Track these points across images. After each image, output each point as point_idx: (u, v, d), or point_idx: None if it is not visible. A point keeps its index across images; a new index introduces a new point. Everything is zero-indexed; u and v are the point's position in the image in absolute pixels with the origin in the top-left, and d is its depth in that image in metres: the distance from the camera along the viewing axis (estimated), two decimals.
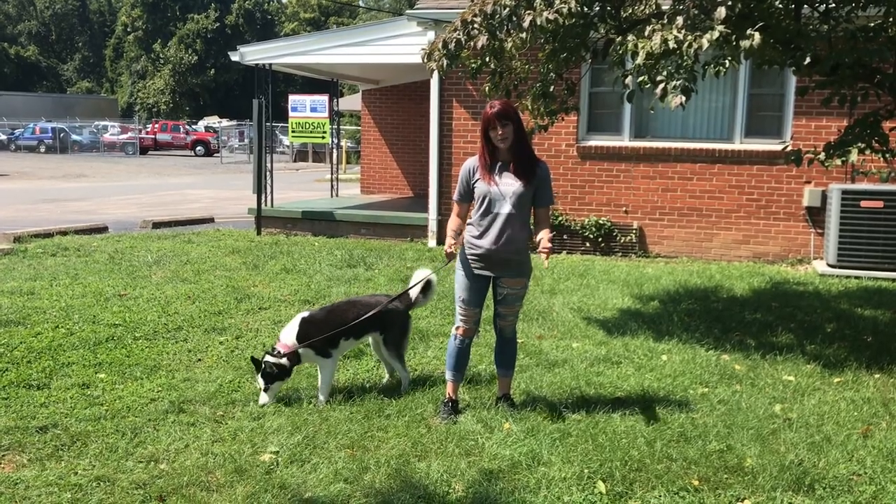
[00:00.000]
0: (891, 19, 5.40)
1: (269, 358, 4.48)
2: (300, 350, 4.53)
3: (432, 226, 10.96)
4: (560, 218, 10.33)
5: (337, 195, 15.24)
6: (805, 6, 5.65)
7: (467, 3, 5.78)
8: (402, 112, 15.58)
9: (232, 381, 4.95)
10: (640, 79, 5.11)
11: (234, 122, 47.89)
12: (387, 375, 5.03)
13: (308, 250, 10.09)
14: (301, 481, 3.58)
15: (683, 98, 4.87)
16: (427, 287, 4.93)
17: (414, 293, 4.87)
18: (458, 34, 5.61)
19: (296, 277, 8.28)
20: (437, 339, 5.96)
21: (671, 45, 4.68)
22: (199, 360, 5.44)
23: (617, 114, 10.23)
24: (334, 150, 16.60)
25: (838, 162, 5.47)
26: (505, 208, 4.17)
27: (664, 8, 5.35)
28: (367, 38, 11.37)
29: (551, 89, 6.20)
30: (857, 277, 8.70)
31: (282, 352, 4.49)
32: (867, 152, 5.49)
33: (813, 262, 9.54)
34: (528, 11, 5.21)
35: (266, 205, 12.34)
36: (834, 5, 5.68)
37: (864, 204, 8.81)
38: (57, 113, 50.00)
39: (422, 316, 6.47)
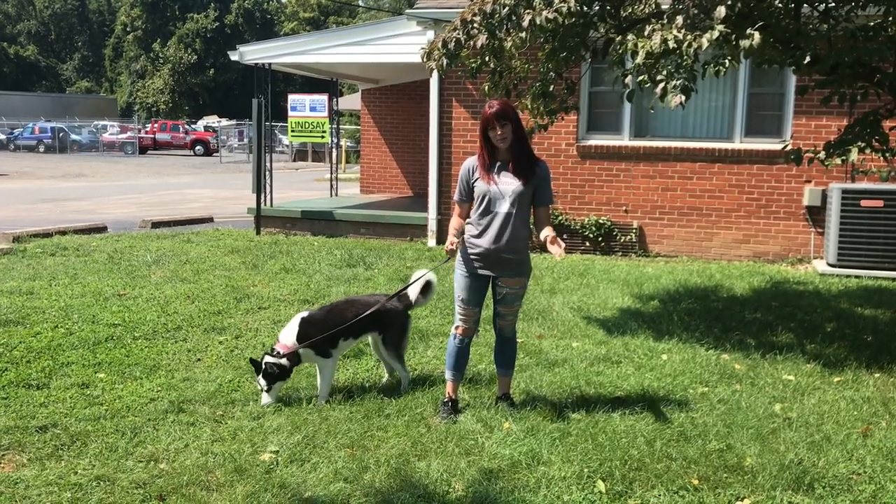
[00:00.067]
0: (890, 18, 5.40)
1: (269, 358, 4.48)
2: (300, 350, 4.53)
3: (432, 225, 10.96)
4: (560, 217, 10.33)
5: (336, 195, 15.24)
6: (805, 5, 5.65)
7: (467, 2, 5.78)
8: (402, 111, 15.58)
9: (231, 381, 4.95)
10: (640, 78, 5.11)
11: (233, 122, 47.92)
12: (386, 375, 5.03)
13: (307, 250, 10.08)
14: (301, 481, 3.58)
15: (683, 97, 4.87)
16: (427, 287, 4.92)
17: (413, 293, 4.87)
18: (458, 33, 5.61)
19: (295, 277, 8.28)
20: (436, 338, 5.96)
21: (671, 44, 4.67)
22: (199, 359, 5.44)
23: (617, 113, 10.23)
24: (334, 150, 16.59)
25: (838, 161, 5.47)
26: (504, 207, 4.16)
27: (664, 7, 5.35)
28: (367, 37, 11.37)
29: (551, 88, 6.20)
30: (857, 277, 8.71)
31: (281, 352, 4.49)
32: (867, 151, 5.50)
33: (813, 262, 9.54)
34: (528, 11, 5.21)
35: (265, 204, 12.33)
36: (833, 4, 5.68)
37: (864, 203, 8.81)
38: (56, 112, 49.99)
39: (421, 315, 6.47)
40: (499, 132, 4.10)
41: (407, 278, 5.02)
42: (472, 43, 5.56)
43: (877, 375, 5.21)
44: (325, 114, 12.17)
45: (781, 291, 7.89)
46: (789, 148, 6.05)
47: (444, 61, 5.75)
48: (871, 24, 5.45)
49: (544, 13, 5.13)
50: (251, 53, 12.19)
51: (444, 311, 6.69)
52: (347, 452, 3.88)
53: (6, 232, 10.77)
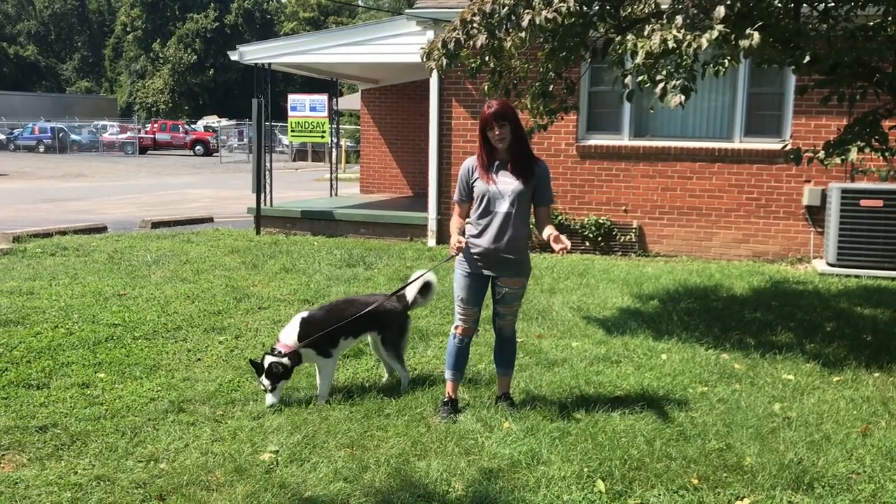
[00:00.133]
0: (890, 18, 5.41)
1: (271, 358, 4.46)
2: (301, 350, 4.53)
3: (432, 225, 10.96)
4: (560, 217, 10.33)
5: (336, 194, 15.24)
6: (804, 5, 5.65)
7: (466, 2, 5.78)
8: (402, 111, 15.58)
9: (231, 381, 4.95)
10: (640, 78, 5.11)
11: (233, 122, 47.92)
12: (386, 375, 5.03)
13: (307, 250, 10.09)
14: (301, 480, 3.58)
15: (683, 97, 4.87)
16: (427, 288, 4.92)
17: (411, 292, 4.87)
18: (458, 33, 5.61)
19: (295, 277, 8.28)
20: (436, 338, 5.96)
21: (670, 44, 4.68)
22: (199, 359, 5.45)
23: (616, 113, 10.23)
24: (333, 150, 16.59)
25: (838, 161, 5.47)
26: (503, 207, 4.17)
27: (663, 7, 5.35)
28: (367, 37, 11.37)
29: (551, 88, 6.20)
30: (856, 276, 8.71)
31: (283, 351, 4.48)
32: (867, 151, 5.50)
33: (812, 261, 9.55)
34: (527, 11, 5.21)
35: (265, 204, 12.34)
36: (833, 4, 5.69)
37: (863, 203, 8.81)
38: (56, 113, 49.99)
39: (421, 315, 6.47)
40: (497, 132, 4.11)
41: (407, 278, 5.02)
42: (471, 43, 5.56)
43: (876, 375, 5.21)
44: (325, 114, 12.18)
45: (781, 291, 7.89)
46: (789, 147, 6.06)
47: (444, 61, 5.75)
48: (871, 23, 5.45)
49: (544, 13, 5.13)
50: (251, 53, 12.19)
51: (444, 311, 6.70)
52: (347, 452, 3.88)
53: (6, 232, 10.77)
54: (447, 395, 4.44)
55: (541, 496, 3.46)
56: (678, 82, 4.87)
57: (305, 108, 12.23)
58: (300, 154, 37.71)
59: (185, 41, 61.37)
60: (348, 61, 12.14)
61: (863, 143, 5.40)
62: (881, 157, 5.63)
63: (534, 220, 4.38)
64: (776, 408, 4.57)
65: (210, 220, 14.00)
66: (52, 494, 3.44)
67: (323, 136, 12.45)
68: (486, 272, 4.27)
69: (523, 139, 4.23)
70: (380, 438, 4.05)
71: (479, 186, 4.21)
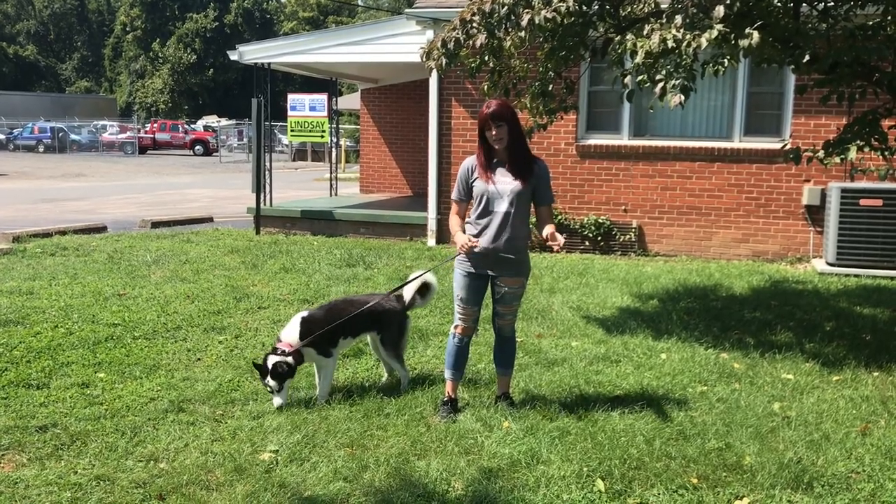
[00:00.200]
0: (889, 17, 5.41)
1: (274, 358, 4.43)
2: (302, 349, 4.53)
3: (432, 225, 10.96)
4: (559, 217, 10.33)
5: (336, 194, 15.24)
6: (804, 4, 5.65)
7: (466, 2, 5.78)
8: (402, 111, 15.58)
9: (231, 381, 4.95)
10: (640, 78, 5.11)
11: (232, 122, 47.92)
12: (385, 374, 5.03)
13: (307, 249, 10.09)
14: (301, 480, 3.58)
15: (682, 97, 4.87)
16: (426, 288, 4.92)
17: (410, 292, 4.87)
18: (457, 33, 5.61)
19: (295, 277, 8.28)
20: (436, 337, 5.97)
21: (670, 43, 4.68)
22: (199, 359, 5.45)
23: (616, 112, 10.23)
24: (333, 149, 16.59)
25: (837, 160, 5.47)
26: (503, 207, 4.17)
27: (663, 7, 5.35)
28: (366, 37, 11.37)
29: (550, 88, 6.20)
30: (856, 276, 8.71)
31: (287, 350, 4.48)
32: (866, 150, 5.50)
33: (812, 261, 9.55)
34: (527, 10, 5.21)
35: (265, 204, 12.34)
36: (833, 4, 5.68)
37: (863, 202, 8.81)
38: (55, 112, 49.97)
39: (421, 315, 6.47)
40: (494, 132, 4.11)
41: (406, 278, 5.03)
42: (471, 42, 5.56)
43: (875, 374, 5.22)
44: (325, 113, 12.18)
45: (780, 290, 7.89)
46: (788, 147, 6.06)
47: (444, 61, 5.75)
48: (870, 23, 5.45)
49: (543, 12, 5.13)
50: (250, 53, 12.19)
51: (444, 311, 6.70)
52: (347, 452, 3.88)
53: (6, 232, 10.77)
54: (447, 394, 4.45)
55: (540, 495, 3.46)
56: (678, 82, 4.87)
57: (305, 107, 12.23)
58: (300, 154, 37.71)
59: (185, 41, 61.36)
60: (348, 61, 12.14)
61: (862, 143, 5.40)
62: (881, 157, 5.63)
63: (535, 219, 4.38)
64: (775, 407, 4.57)
65: (210, 219, 14.00)
66: (51, 494, 3.44)
67: (322, 136, 12.45)
68: (485, 272, 4.27)
69: (522, 139, 4.23)
70: (379, 438, 4.06)
71: (479, 186, 4.22)
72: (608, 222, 10.32)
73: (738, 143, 9.90)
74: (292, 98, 12.40)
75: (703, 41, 4.61)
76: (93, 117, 49.81)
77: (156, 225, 12.96)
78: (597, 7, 5.65)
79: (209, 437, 4.07)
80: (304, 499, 3.43)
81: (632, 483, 3.58)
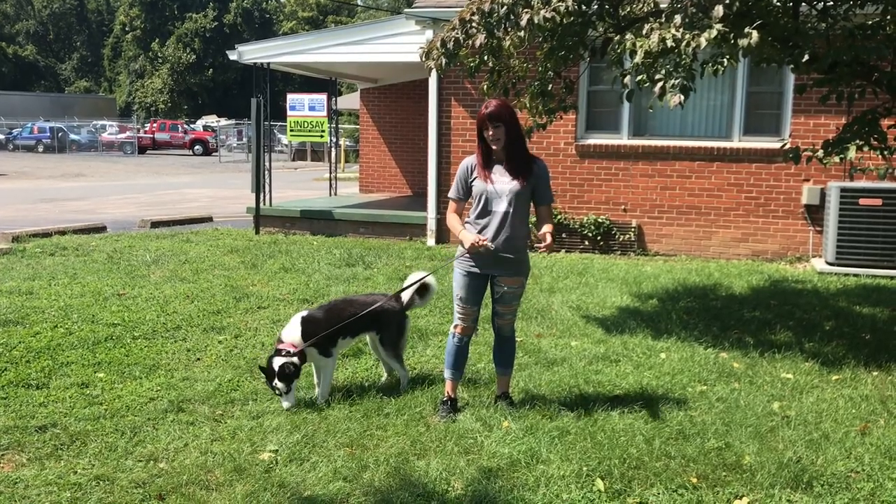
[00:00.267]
0: (888, 17, 5.41)
1: (280, 359, 4.41)
2: (305, 349, 4.52)
3: (431, 224, 10.96)
4: (559, 216, 10.34)
5: (335, 194, 15.23)
6: (803, 4, 5.65)
7: (465, 1, 5.78)
8: (401, 111, 15.58)
9: (231, 380, 4.95)
10: (639, 78, 5.11)
11: (232, 122, 47.88)
12: (385, 374, 5.03)
13: (307, 249, 10.09)
14: (300, 480, 3.58)
15: (682, 97, 4.87)
16: (425, 288, 4.92)
17: (409, 292, 4.87)
18: (457, 33, 5.61)
19: (294, 276, 8.28)
20: (435, 337, 5.97)
21: (669, 43, 4.68)
22: (198, 359, 5.45)
23: (615, 112, 10.23)
24: (333, 149, 16.59)
25: (836, 159, 5.47)
26: (502, 206, 4.17)
27: (662, 6, 5.35)
28: (366, 36, 11.37)
29: (550, 88, 6.20)
30: (855, 275, 8.71)
31: (291, 351, 4.47)
32: (865, 149, 5.50)
33: (812, 260, 9.55)
34: (526, 10, 5.21)
35: (264, 204, 12.33)
36: (832, 3, 5.69)
37: (862, 202, 8.82)
38: (55, 112, 49.95)
39: (421, 314, 6.48)
40: (491, 133, 4.12)
41: (406, 278, 5.03)
42: (470, 42, 5.56)
43: (875, 374, 5.22)
44: (324, 113, 12.18)
45: (780, 290, 7.89)
46: (788, 146, 6.06)
47: (443, 61, 5.75)
48: (870, 22, 5.45)
49: (542, 12, 5.13)
50: (250, 53, 12.18)
51: (444, 310, 6.70)
52: (347, 451, 3.88)
53: (5, 232, 10.77)
54: (446, 394, 4.45)
55: (540, 495, 3.46)
56: (677, 81, 4.87)
57: (304, 107, 12.22)
58: (299, 153, 37.71)
59: (184, 41, 61.34)
60: (347, 61, 12.14)
61: (861, 142, 5.40)
62: (880, 156, 5.63)
63: (535, 219, 4.38)
64: (775, 406, 4.57)
65: (209, 219, 14.00)
66: (51, 494, 3.44)
67: (322, 136, 12.45)
68: (485, 271, 4.28)
69: (520, 139, 4.23)
70: (379, 438, 4.06)
71: (478, 186, 4.22)
72: (608, 222, 10.32)
73: (737, 142, 9.90)
74: (292, 98, 12.39)
75: (703, 41, 4.61)
76: (92, 117, 49.78)
77: (155, 225, 12.96)
78: (596, 7, 5.64)
79: (209, 436, 4.07)
80: (303, 498, 3.43)
81: (631, 482, 3.58)
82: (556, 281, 8.21)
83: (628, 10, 5.81)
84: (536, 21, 5.15)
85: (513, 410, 4.37)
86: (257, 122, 12.19)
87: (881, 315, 6.85)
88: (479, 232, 4.22)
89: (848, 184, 9.03)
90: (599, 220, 10.30)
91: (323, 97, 12.28)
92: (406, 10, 11.14)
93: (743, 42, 4.69)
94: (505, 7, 5.32)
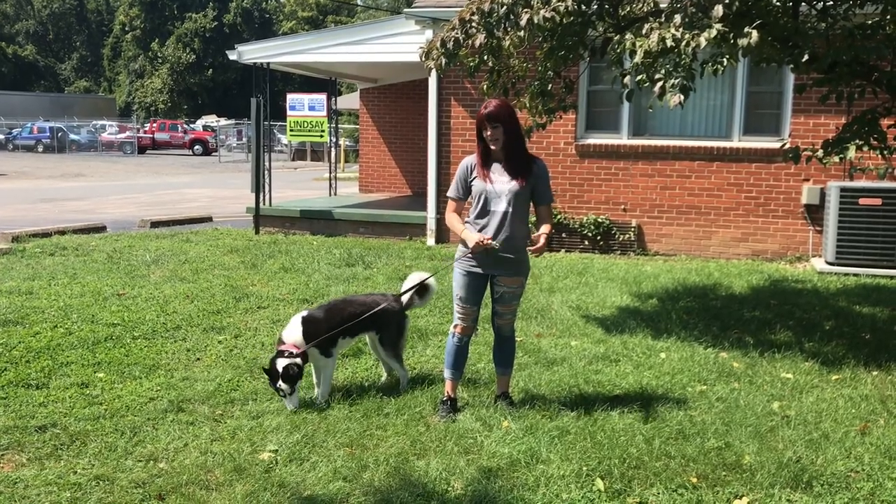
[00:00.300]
0: (888, 17, 5.41)
1: (284, 361, 4.40)
2: (307, 349, 4.52)
3: (431, 224, 10.96)
4: (559, 216, 10.34)
5: (335, 194, 15.23)
6: (803, 4, 5.65)
7: (465, 1, 5.78)
8: (401, 110, 15.58)
9: (231, 380, 4.95)
10: (639, 77, 5.11)
11: (232, 121, 47.85)
12: (385, 374, 5.03)
13: (306, 249, 10.09)
14: (300, 479, 3.58)
15: (682, 97, 4.87)
16: (424, 289, 4.92)
17: (408, 295, 4.87)
18: (456, 32, 5.61)
19: (294, 276, 8.28)
20: (435, 337, 5.97)
21: (669, 43, 4.68)
22: (198, 359, 5.45)
23: (615, 112, 10.23)
24: (332, 149, 16.59)
25: (836, 159, 5.47)
26: (501, 206, 4.18)
27: (662, 6, 5.35)
28: (365, 36, 11.37)
29: (549, 87, 6.20)
30: (855, 275, 8.71)
31: (295, 352, 4.46)
32: (865, 149, 5.50)
33: (811, 260, 9.55)
34: (526, 10, 5.21)
35: (264, 204, 12.33)
36: (831, 3, 5.69)
37: (862, 201, 8.82)
38: (55, 112, 49.94)
39: (421, 314, 6.48)
40: (489, 133, 4.13)
41: (406, 277, 5.03)
42: (470, 42, 5.56)
43: (875, 373, 5.22)
44: (324, 113, 12.18)
45: (780, 290, 7.89)
46: (788, 146, 6.06)
47: (443, 60, 5.75)
48: (869, 22, 5.45)
49: (542, 12, 5.13)
50: (249, 53, 12.18)
51: (444, 310, 6.70)
52: (346, 451, 3.88)
53: (5, 232, 10.77)
54: (446, 394, 4.45)
55: (540, 495, 3.46)
56: (677, 81, 4.87)
57: (304, 107, 12.22)
58: (299, 153, 37.69)
59: (184, 41, 61.32)
60: (347, 60, 12.14)
61: (861, 142, 5.40)
62: (879, 156, 5.63)
63: (535, 218, 4.38)
64: (775, 406, 4.57)
65: (209, 219, 13.99)
66: (51, 494, 3.44)
67: (322, 136, 12.45)
68: (484, 271, 4.28)
69: (519, 140, 4.23)
70: (379, 437, 4.06)
71: (477, 185, 4.23)
72: (607, 222, 10.32)
73: (737, 142, 9.90)
74: (291, 98, 12.39)
75: (702, 40, 4.61)
76: (92, 117, 49.77)
77: (155, 225, 12.96)
78: (596, 6, 5.64)
79: (208, 436, 4.07)
80: (303, 498, 3.43)
81: (631, 482, 3.58)
82: (556, 281, 8.21)
83: (628, 9, 5.81)
84: (536, 21, 5.14)
85: (513, 410, 4.37)
86: (257, 121, 12.19)
87: (881, 315, 6.85)
88: (479, 231, 4.22)
89: (848, 183, 9.03)
90: (599, 219, 10.30)
91: (323, 97, 12.28)
92: (406, 9, 11.14)
93: (743, 42, 4.69)
94: (505, 7, 5.32)
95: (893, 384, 5.01)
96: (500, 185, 4.18)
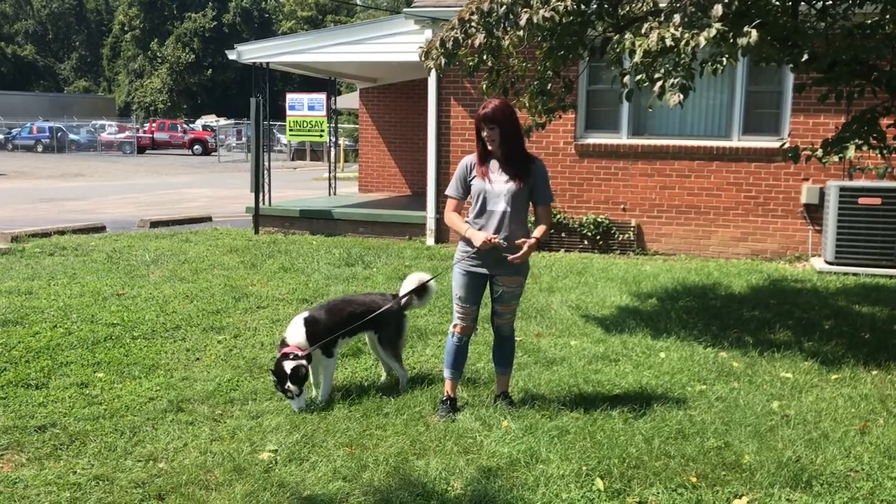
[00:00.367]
0: (887, 16, 5.41)
1: (290, 362, 4.38)
2: (311, 350, 4.52)
3: (430, 224, 10.96)
4: (558, 216, 10.34)
5: (335, 194, 15.23)
6: (802, 3, 5.65)
7: (464, 1, 5.78)
8: (400, 110, 15.57)
9: (230, 380, 4.95)
10: (638, 77, 5.11)
11: (231, 121, 47.82)
12: (384, 374, 5.03)
13: (306, 249, 10.08)
14: (300, 479, 3.58)
15: (681, 96, 4.87)
16: (424, 289, 4.92)
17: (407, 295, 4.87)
18: (456, 32, 5.61)
19: (294, 276, 8.28)
20: (435, 337, 5.97)
21: (668, 42, 4.68)
22: (198, 359, 5.45)
23: (615, 111, 10.23)
24: (332, 149, 16.59)
25: (835, 158, 5.47)
26: (500, 206, 4.18)
27: (661, 5, 5.35)
28: (365, 36, 11.37)
29: (549, 87, 6.21)
30: (854, 274, 8.72)
31: (300, 354, 4.46)
32: (864, 149, 5.50)
33: (811, 259, 9.55)
34: (525, 9, 5.21)
35: (264, 203, 12.33)
36: (831, 2, 5.69)
37: (861, 201, 8.82)
38: (54, 112, 49.91)
39: (420, 314, 6.47)
40: (486, 134, 4.14)
41: (405, 277, 5.03)
42: (469, 42, 5.56)
43: (874, 373, 5.22)
44: (324, 113, 12.17)
45: (779, 289, 7.90)
46: (787, 146, 6.06)
47: (442, 60, 5.75)
48: (869, 21, 5.45)
49: (541, 12, 5.13)
50: (249, 52, 12.18)
51: (443, 310, 6.70)
52: (346, 451, 3.88)
53: (4, 232, 10.76)
54: (446, 393, 4.45)
55: (539, 494, 3.46)
56: (676, 81, 4.87)
57: (304, 107, 12.22)
58: (298, 153, 37.68)
59: (184, 40, 61.30)
60: (346, 60, 12.13)
61: (861, 141, 5.40)
62: (879, 155, 5.63)
63: (534, 218, 4.38)
64: (774, 406, 4.58)
65: (208, 219, 13.99)
66: (50, 494, 3.44)
67: (321, 135, 12.44)
68: (484, 270, 4.28)
69: (518, 140, 4.23)
70: (378, 437, 4.06)
71: (477, 185, 4.23)
72: (607, 221, 10.32)
73: (736, 141, 9.90)
74: (291, 97, 12.39)
75: (702, 40, 4.61)
76: (91, 117, 49.75)
77: (154, 224, 12.96)
78: (595, 6, 5.64)
79: (208, 436, 4.07)
80: (303, 498, 3.43)
81: (631, 482, 3.58)
82: (556, 280, 8.21)
83: (627, 9, 5.81)
84: (535, 20, 5.15)
85: (512, 410, 4.37)
86: (256, 121, 12.18)
87: (880, 314, 6.86)
88: (479, 230, 4.22)
89: (847, 183, 9.03)
90: (599, 219, 10.30)
91: (322, 97, 12.28)
92: (405, 9, 11.13)
93: (742, 41, 4.68)
94: (504, 6, 5.32)
95: (893, 384, 5.01)
96: (499, 185, 4.18)
